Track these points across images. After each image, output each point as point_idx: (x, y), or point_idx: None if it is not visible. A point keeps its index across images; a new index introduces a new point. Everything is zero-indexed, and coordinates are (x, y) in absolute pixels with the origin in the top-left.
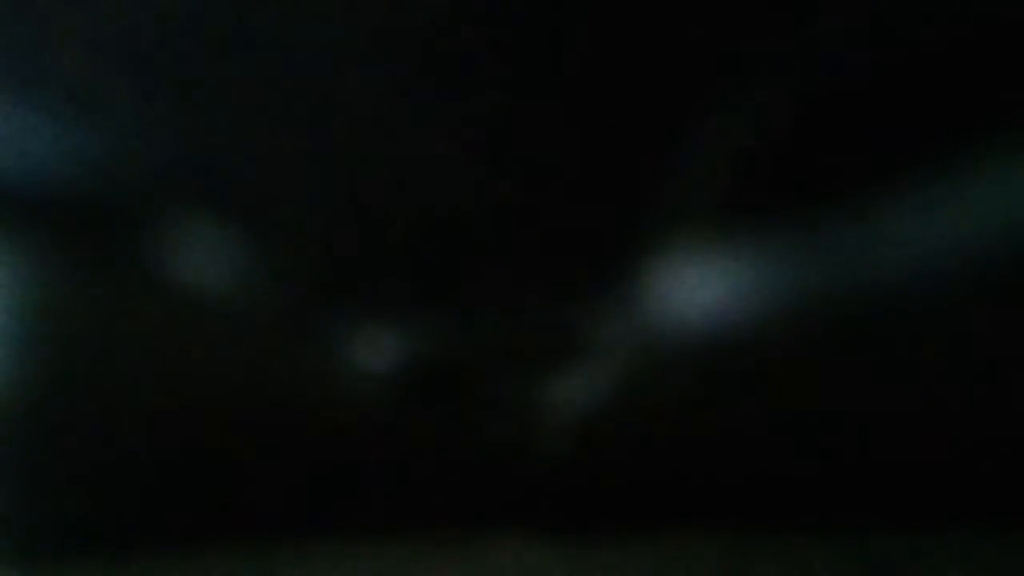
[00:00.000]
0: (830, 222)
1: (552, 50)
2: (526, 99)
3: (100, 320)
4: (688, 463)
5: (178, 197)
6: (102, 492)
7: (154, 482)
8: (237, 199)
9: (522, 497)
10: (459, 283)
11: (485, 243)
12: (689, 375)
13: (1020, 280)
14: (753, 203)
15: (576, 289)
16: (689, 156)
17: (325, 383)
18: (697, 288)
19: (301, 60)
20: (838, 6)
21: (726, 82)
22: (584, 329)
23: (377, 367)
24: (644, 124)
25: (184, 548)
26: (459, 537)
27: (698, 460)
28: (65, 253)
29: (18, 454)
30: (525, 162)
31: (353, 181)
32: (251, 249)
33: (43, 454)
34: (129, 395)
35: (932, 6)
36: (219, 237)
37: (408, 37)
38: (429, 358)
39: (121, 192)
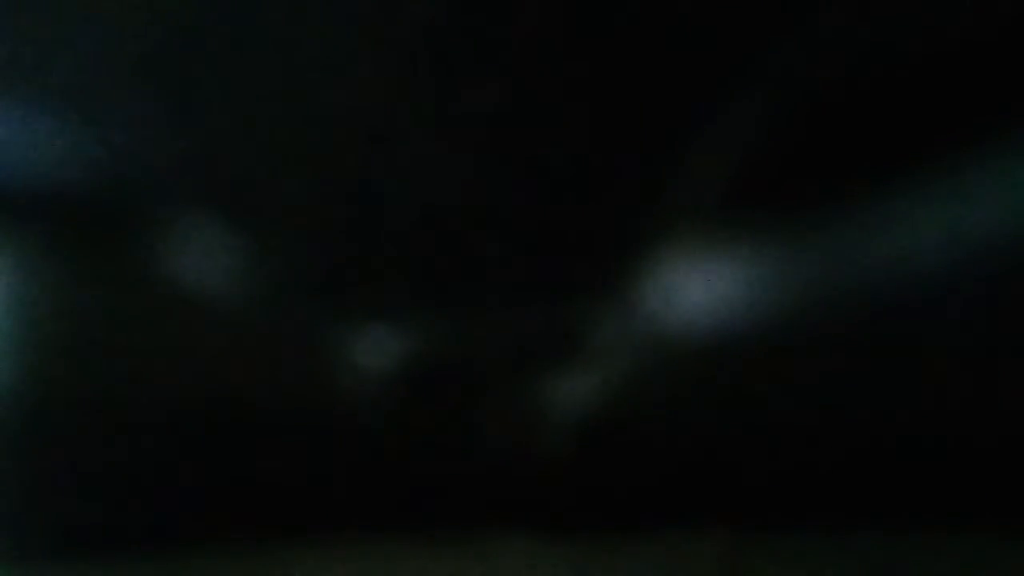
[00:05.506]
0: (830, 222)
1: (552, 50)
2: (526, 99)
3: (99, 320)
4: (688, 463)
5: (178, 197)
6: (102, 492)
7: (154, 482)
8: (237, 199)
9: (522, 497)
10: (459, 283)
11: (485, 243)
12: (689, 375)
13: (1021, 280)
14: (754, 203)
15: (576, 289)
16: (689, 156)
17: (325, 383)
18: (697, 288)
19: (300, 60)
20: (839, 6)
21: (727, 82)
22: (584, 329)
23: (377, 367)
24: (644, 124)
25: (184, 548)
26: (459, 537)
27: (698, 460)
28: (65, 253)
29: (17, 454)
30: (525, 162)
31: (353, 181)
32: (251, 249)
33: (42, 454)
34: (129, 395)
35: (933, 7)
36: (219, 237)
37: (407, 36)
38: (429, 358)
39: (121, 192)
